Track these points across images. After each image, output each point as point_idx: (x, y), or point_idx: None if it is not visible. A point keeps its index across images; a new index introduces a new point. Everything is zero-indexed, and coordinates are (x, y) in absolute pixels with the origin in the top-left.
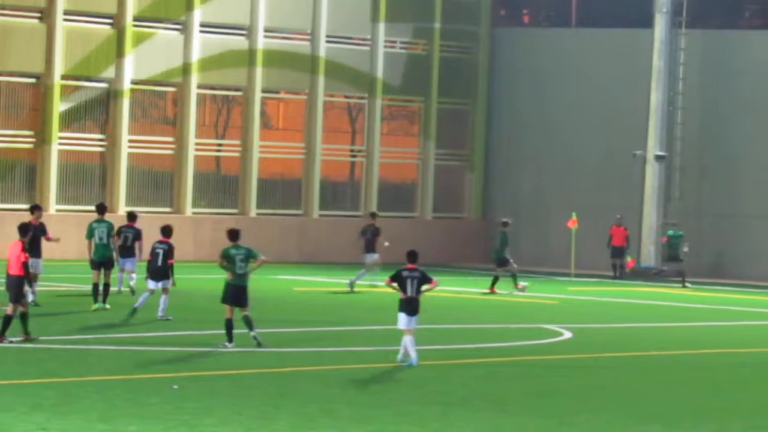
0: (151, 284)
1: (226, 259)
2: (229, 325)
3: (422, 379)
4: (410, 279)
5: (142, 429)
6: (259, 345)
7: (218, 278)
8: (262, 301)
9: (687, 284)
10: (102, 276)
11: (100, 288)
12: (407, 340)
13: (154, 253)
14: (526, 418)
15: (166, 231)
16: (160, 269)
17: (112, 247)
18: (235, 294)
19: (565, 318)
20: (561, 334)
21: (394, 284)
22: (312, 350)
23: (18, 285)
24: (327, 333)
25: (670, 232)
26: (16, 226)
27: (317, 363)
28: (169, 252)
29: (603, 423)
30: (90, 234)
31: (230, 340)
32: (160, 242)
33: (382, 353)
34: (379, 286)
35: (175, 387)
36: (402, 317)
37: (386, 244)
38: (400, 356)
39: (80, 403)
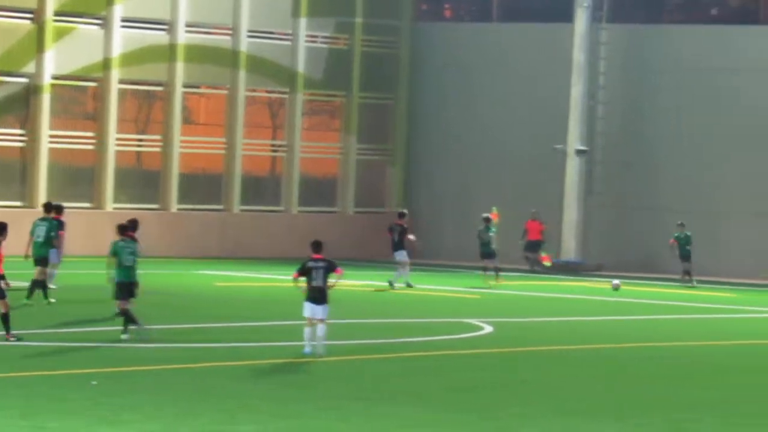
0: None
1: (114, 253)
2: (126, 315)
3: (343, 374)
4: (315, 269)
5: (63, 425)
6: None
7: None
8: (183, 296)
9: (694, 283)
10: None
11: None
12: (308, 331)
13: None
14: (447, 413)
15: (132, 226)
16: None
17: (49, 246)
18: (129, 288)
19: (487, 312)
20: (482, 329)
21: (301, 279)
22: (232, 345)
23: None
24: (247, 328)
25: (677, 234)
26: None
27: (238, 358)
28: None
29: (524, 417)
30: (32, 231)
31: (125, 330)
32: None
33: (302, 348)
34: (413, 288)
35: (95, 383)
36: (307, 306)
37: (412, 237)
38: (307, 349)
39: (1, 400)
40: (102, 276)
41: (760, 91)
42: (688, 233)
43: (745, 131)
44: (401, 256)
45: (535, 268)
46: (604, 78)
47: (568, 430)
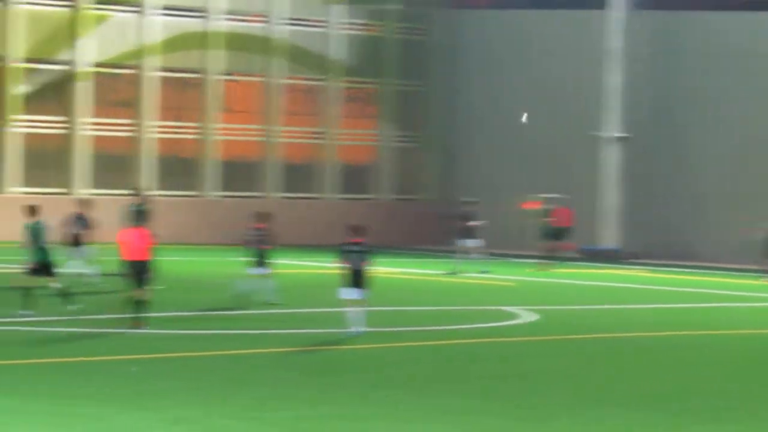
0: None
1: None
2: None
3: (378, 361)
4: (352, 252)
5: (99, 411)
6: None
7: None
8: (216, 284)
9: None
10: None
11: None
12: (350, 312)
13: None
14: (482, 401)
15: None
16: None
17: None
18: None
19: (525, 300)
20: (520, 317)
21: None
22: (266, 332)
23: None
24: (281, 315)
25: (763, 236)
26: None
27: (270, 345)
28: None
29: (560, 406)
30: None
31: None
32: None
33: (337, 334)
34: (481, 277)
35: (134, 369)
36: (347, 291)
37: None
38: (353, 329)
39: (29, 386)
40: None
41: None
42: None
43: None
44: (469, 243)
45: (557, 255)
46: (640, 64)
47: (604, 419)
